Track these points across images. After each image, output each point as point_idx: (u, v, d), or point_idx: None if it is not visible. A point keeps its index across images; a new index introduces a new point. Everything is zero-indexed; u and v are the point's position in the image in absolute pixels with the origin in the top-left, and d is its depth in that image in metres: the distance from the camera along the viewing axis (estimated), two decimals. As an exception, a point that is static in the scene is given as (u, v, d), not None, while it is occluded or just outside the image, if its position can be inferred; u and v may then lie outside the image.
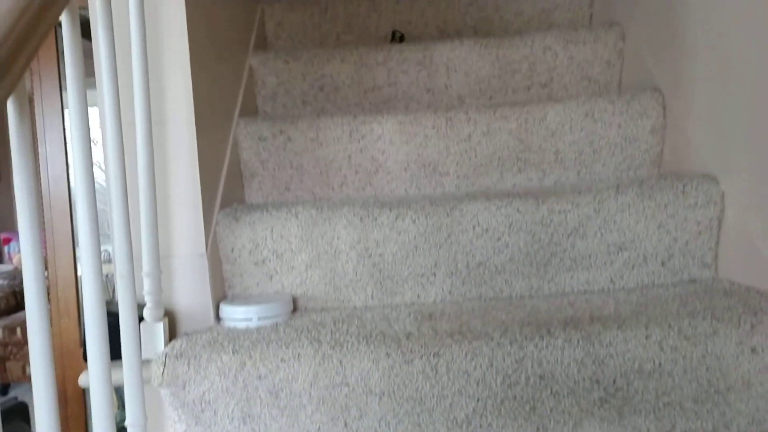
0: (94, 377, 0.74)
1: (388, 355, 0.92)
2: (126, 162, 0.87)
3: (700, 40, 1.22)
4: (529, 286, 1.17)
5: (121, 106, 0.86)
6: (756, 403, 0.94)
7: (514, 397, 0.93)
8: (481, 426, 0.94)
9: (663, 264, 1.16)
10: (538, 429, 0.94)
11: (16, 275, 3.92)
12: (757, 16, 1.04)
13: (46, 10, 0.62)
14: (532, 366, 0.92)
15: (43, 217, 2.00)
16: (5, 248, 4.47)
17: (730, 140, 1.14)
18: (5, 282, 3.72)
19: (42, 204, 1.98)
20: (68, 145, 2.03)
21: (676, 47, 1.32)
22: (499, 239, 1.15)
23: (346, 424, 0.93)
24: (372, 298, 1.17)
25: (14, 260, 4.32)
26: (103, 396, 0.74)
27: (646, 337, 0.92)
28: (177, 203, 1.07)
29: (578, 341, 0.92)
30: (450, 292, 1.17)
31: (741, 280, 1.11)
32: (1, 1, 0.57)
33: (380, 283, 1.16)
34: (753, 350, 0.92)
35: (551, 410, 0.94)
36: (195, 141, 1.07)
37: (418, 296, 1.17)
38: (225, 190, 1.23)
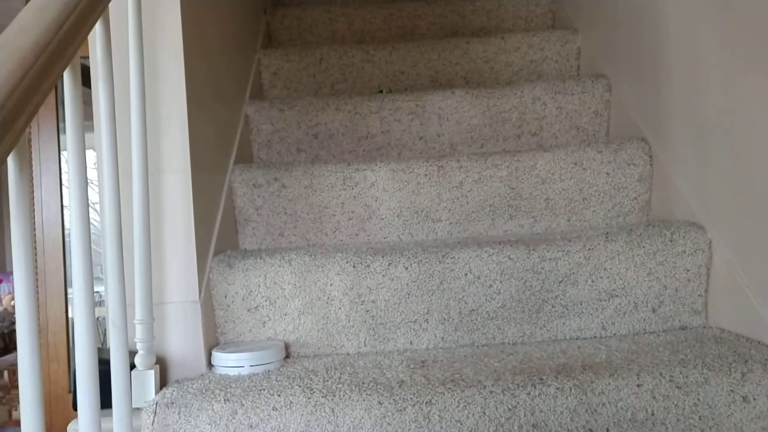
0: (84, 428, 0.74)
1: (380, 403, 0.91)
2: (121, 208, 0.88)
3: (681, 94, 1.26)
4: (521, 332, 1.17)
5: (118, 154, 0.88)
6: (749, 453, 0.93)
7: (507, 447, 0.92)
8: (474, 477, 0.93)
9: (654, 311, 1.17)
10: (531, 480, 0.93)
11: (5, 317, 3.87)
12: (733, 70, 1.08)
13: (49, 70, 0.64)
14: (524, 415, 0.92)
15: (36, 261, 1.99)
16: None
17: (714, 190, 1.17)
18: (-6, 325, 3.68)
19: (36, 249, 1.98)
20: (63, 189, 2.04)
21: (659, 100, 1.36)
22: (491, 286, 1.16)
23: (337, 475, 0.92)
24: (365, 344, 1.17)
25: (3, 302, 4.28)
26: (92, 447, 0.74)
27: (638, 386, 0.92)
28: (171, 250, 1.08)
29: (571, 389, 0.92)
30: (443, 339, 1.17)
31: (731, 327, 1.12)
32: (3, 62, 0.59)
33: (373, 329, 1.16)
34: (744, 399, 0.93)
35: (545, 460, 0.93)
36: (190, 189, 1.09)
37: (411, 343, 1.17)
38: (219, 236, 1.24)
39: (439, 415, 0.91)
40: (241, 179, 1.37)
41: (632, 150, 1.38)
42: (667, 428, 0.93)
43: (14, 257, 0.64)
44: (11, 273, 4.43)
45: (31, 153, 2.04)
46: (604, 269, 1.17)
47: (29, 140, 2.07)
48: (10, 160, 0.61)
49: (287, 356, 1.15)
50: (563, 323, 1.18)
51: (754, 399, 0.93)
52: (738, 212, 1.10)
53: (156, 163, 1.07)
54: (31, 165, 2.02)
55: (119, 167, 0.89)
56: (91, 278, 0.77)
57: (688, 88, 1.24)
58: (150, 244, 0.98)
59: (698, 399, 0.93)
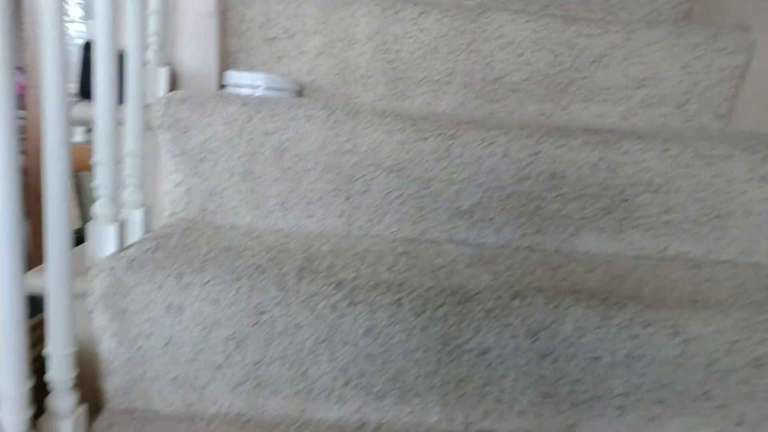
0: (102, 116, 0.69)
1: (402, 129, 0.88)
2: None
3: None
4: (541, 111, 1.14)
5: None
6: (750, 233, 0.95)
7: (522, 193, 0.92)
8: (482, 219, 0.93)
9: (678, 107, 1.15)
10: (537, 231, 0.94)
11: None
12: None
13: None
14: (545, 162, 0.90)
15: None
16: None
17: (773, -14, 1.10)
18: None
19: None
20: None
21: None
22: (521, 55, 1.11)
23: (347, 197, 0.91)
24: (381, 98, 1.12)
25: None
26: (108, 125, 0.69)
27: (663, 151, 0.91)
28: (190, -49, 0.98)
29: (596, 144, 0.90)
30: (461, 104, 1.13)
31: (755, 131, 1.11)
32: None
33: (392, 83, 1.11)
34: (762, 178, 0.92)
35: (554, 213, 0.93)
36: None
37: (429, 104, 1.13)
38: (238, -37, 1.13)
39: (460, 150, 0.89)
40: None
41: (689, -54, 1.28)
42: (679, 195, 0.93)
43: None
44: None
45: None
46: (640, 55, 1.12)
47: None
48: None
49: (300, 95, 1.11)
50: (585, 107, 1.14)
51: (771, 181, 0.93)
52: (795, 7, 1.04)
53: None
54: None
55: None
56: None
57: None
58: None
59: (718, 171, 0.92)
